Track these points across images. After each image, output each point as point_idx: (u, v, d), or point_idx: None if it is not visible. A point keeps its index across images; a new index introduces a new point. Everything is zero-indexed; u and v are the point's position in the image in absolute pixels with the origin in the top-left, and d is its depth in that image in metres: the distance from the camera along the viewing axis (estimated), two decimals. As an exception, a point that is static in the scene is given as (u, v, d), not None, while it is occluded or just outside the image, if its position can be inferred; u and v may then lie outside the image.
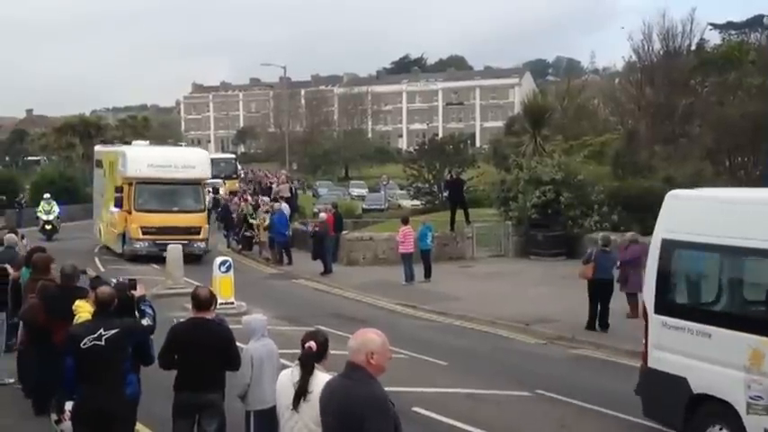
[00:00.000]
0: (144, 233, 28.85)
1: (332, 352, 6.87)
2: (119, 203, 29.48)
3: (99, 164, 36.08)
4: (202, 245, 29.60)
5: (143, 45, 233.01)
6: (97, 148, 40.33)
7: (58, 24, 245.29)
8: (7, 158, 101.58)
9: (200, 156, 32.58)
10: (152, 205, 29.48)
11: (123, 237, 29.76)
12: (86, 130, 70.78)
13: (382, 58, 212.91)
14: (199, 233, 29.55)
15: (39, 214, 37.85)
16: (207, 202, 32.07)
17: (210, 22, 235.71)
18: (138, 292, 9.17)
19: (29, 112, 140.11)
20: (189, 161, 30.62)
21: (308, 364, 6.65)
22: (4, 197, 45.31)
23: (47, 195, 39.32)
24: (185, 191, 30.36)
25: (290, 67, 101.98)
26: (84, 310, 9.19)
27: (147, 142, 38.11)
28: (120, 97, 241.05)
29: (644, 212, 28.36)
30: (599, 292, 17.75)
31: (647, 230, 24.19)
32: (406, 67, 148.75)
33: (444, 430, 11.29)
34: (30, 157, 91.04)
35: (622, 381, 14.26)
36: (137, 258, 28.48)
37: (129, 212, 29.24)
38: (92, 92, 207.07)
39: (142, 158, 30.07)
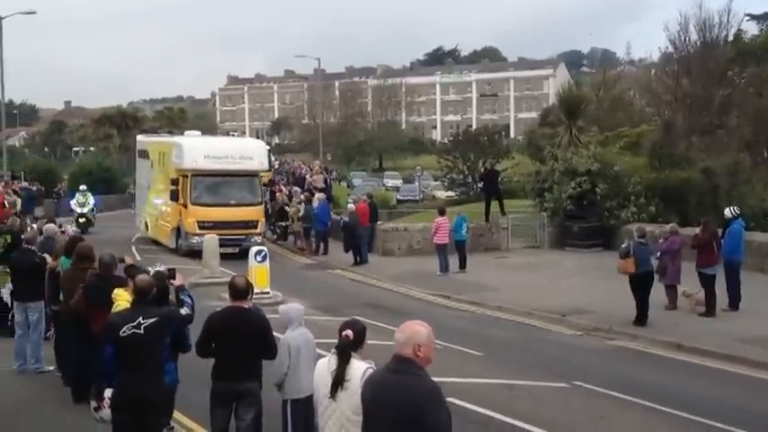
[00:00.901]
0: (200, 228, 27.25)
1: (368, 342, 6.88)
2: (174, 196, 28.15)
3: (143, 154, 34.95)
4: (259, 239, 28.07)
5: (179, 38, 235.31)
6: (140, 137, 39.22)
7: (96, 18, 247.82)
8: (46, 149, 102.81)
9: (258, 146, 31.28)
10: (209, 198, 28.23)
11: (177, 231, 28.78)
12: (124, 122, 71.60)
13: (416, 49, 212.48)
14: (256, 227, 28.42)
15: (73, 206, 36.81)
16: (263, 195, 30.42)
17: (246, 15, 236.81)
18: (177, 282, 9.22)
19: (67, 103, 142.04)
20: (246, 152, 29.47)
21: (344, 352, 6.65)
22: (43, 187, 45.76)
23: (83, 187, 38.65)
24: (243, 183, 29.01)
25: (325, 59, 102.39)
26: (122, 298, 9.27)
27: (200, 132, 36.75)
28: (157, 89, 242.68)
29: (682, 204, 28.25)
30: (641, 285, 17.40)
31: (686, 222, 24.24)
32: (439, 59, 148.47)
33: (481, 421, 11.23)
34: (75, 149, 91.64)
35: (661, 373, 14.21)
36: (190, 253, 26.75)
37: (185, 206, 27.97)
38: (129, 84, 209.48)
39: (198, 149, 28.90)
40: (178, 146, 29.29)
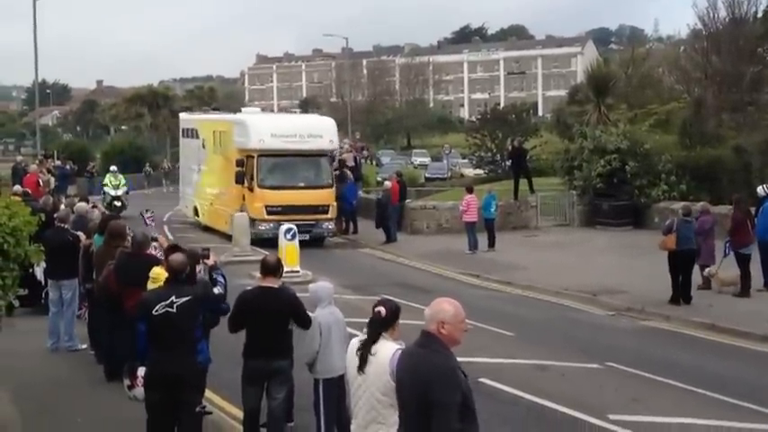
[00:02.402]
0: (269, 213, 25.13)
1: (399, 321, 6.83)
2: (240, 179, 25.71)
3: (190, 133, 32.64)
4: (331, 225, 26.47)
5: (209, 17, 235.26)
6: (185, 116, 36.60)
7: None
8: (78, 128, 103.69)
9: (327, 124, 28.14)
10: (277, 181, 25.91)
11: None
12: (155, 101, 71.98)
13: (443, 28, 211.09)
14: (327, 212, 26.15)
15: (105, 188, 34.11)
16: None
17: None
18: (210, 261, 9.25)
19: (99, 83, 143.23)
20: (316, 129, 27.00)
21: (374, 328, 6.61)
22: (76, 166, 46.06)
23: (113, 168, 36.22)
24: (312, 163, 26.70)
25: (352, 38, 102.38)
26: (160, 277, 9.29)
27: (259, 109, 34.76)
28: (187, 68, 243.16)
29: (713, 182, 27.96)
30: (681, 264, 17.16)
31: (717, 200, 23.98)
32: (466, 37, 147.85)
33: (512, 401, 11.19)
34: (110, 128, 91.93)
35: (695, 353, 14.10)
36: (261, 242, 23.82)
37: (251, 189, 25.61)
38: (160, 63, 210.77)
39: (265, 127, 26.47)
40: (241, 124, 27.11)
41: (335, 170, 28.01)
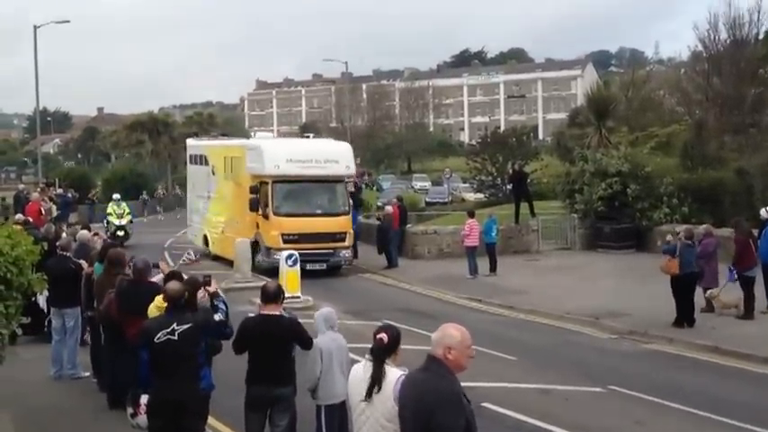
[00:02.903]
0: (285, 241, 24.18)
1: (401, 346, 6.84)
2: (254, 206, 24.97)
3: (198, 160, 31.79)
4: (348, 254, 25.75)
5: (208, 44, 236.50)
6: (192, 142, 35.57)
7: (126, 25, 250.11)
8: (79, 155, 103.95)
9: (343, 149, 27.46)
10: (293, 208, 25.23)
11: (254, 246, 25.05)
12: (155, 128, 72.24)
13: (443, 52, 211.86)
14: (344, 239, 25.44)
15: (109, 218, 33.17)
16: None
17: (274, 21, 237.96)
18: (211, 288, 9.27)
19: (100, 110, 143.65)
20: (332, 155, 26.27)
21: (379, 356, 6.62)
22: (78, 194, 46.13)
23: (116, 197, 35.32)
24: (329, 190, 26.05)
25: (352, 62, 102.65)
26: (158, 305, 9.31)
27: (272, 134, 34.16)
28: (187, 95, 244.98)
29: (715, 204, 27.97)
30: (683, 287, 17.17)
31: (720, 223, 23.96)
32: (466, 61, 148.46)
33: (515, 426, 11.16)
34: (119, 155, 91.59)
35: (699, 376, 14.06)
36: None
37: (266, 217, 24.95)
38: (160, 90, 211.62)
39: (280, 153, 25.73)
40: (255, 149, 26.23)
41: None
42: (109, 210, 33.87)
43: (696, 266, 17.39)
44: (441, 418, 5.34)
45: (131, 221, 34.03)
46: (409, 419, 5.57)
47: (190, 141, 35.71)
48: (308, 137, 34.33)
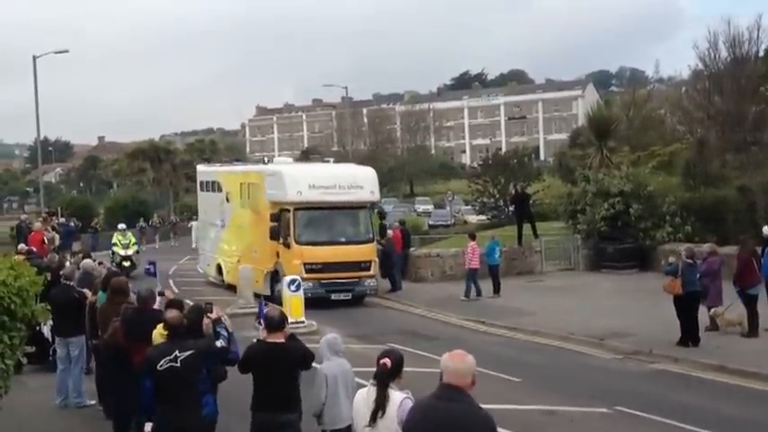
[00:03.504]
0: (308, 271, 23.30)
1: (405, 369, 6.87)
2: (275, 234, 23.99)
3: (210, 186, 30.97)
4: (373, 282, 24.74)
5: (208, 71, 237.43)
6: (203, 168, 34.45)
7: (126, 54, 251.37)
8: (81, 184, 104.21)
9: (368, 173, 26.20)
10: (316, 236, 24.20)
11: (273, 276, 24.56)
12: (156, 155, 72.49)
13: (442, 74, 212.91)
14: (369, 268, 24.52)
15: (114, 248, 32.49)
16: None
17: (272, 47, 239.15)
18: (213, 315, 9.30)
19: (101, 138, 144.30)
20: (356, 180, 25.17)
21: (383, 380, 6.65)
22: (80, 223, 46.18)
23: (122, 226, 34.80)
24: (353, 217, 25.16)
25: (352, 87, 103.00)
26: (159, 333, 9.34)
27: (292, 159, 32.55)
28: (188, 122, 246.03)
29: (718, 222, 27.95)
30: (686, 306, 17.14)
31: (723, 241, 23.95)
32: (466, 83, 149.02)
33: (521, 448, 11.13)
34: (121, 183, 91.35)
35: (704, 396, 13.99)
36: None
37: (287, 246, 23.92)
38: (161, 117, 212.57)
39: (302, 178, 24.61)
40: (276, 175, 25.08)
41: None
42: (114, 240, 33.03)
43: (699, 285, 17.36)
44: None
45: (138, 251, 33.06)
46: None
47: (200, 167, 34.66)
48: (328, 161, 32.27)
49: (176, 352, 8.19)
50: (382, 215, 27.23)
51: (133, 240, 33.01)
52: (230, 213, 28.36)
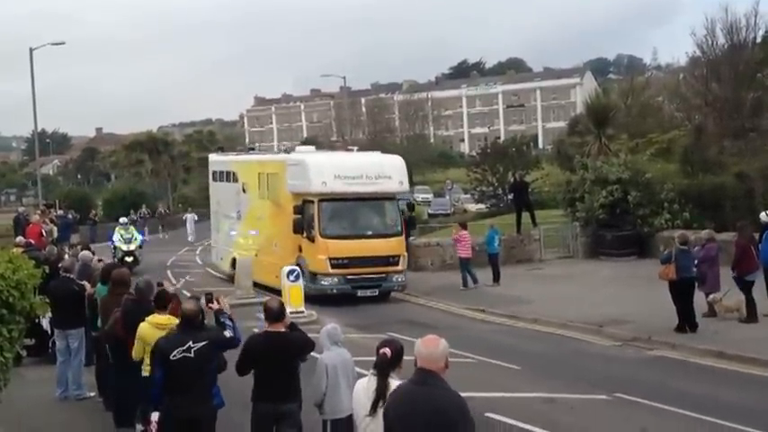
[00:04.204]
0: (333, 266, 22.60)
1: (405, 358, 6.89)
2: (299, 227, 22.89)
3: (224, 176, 29.69)
4: (401, 278, 23.59)
5: (207, 61, 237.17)
6: (217, 157, 32.88)
7: (123, 45, 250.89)
8: (79, 176, 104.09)
9: (396, 163, 24.79)
10: (342, 229, 23.11)
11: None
12: (154, 147, 72.40)
13: (441, 63, 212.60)
14: (398, 263, 23.31)
15: (117, 243, 30.84)
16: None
17: (272, 37, 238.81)
18: (215, 306, 9.32)
19: (98, 130, 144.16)
20: (383, 170, 23.85)
21: (384, 370, 6.68)
22: (78, 215, 46.17)
23: (123, 220, 33.52)
24: (381, 208, 23.97)
25: (350, 76, 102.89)
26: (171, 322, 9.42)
27: (314, 147, 30.83)
28: (186, 113, 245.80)
29: (716, 209, 27.96)
30: (682, 292, 17.18)
31: (721, 227, 23.97)
32: (464, 72, 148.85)
33: (520, 435, 11.16)
34: (119, 175, 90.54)
35: (703, 382, 14.04)
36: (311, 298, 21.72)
37: (311, 239, 22.83)
38: (158, 108, 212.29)
39: (327, 168, 23.37)
40: (299, 164, 23.80)
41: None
42: (116, 235, 31.48)
43: (694, 272, 17.42)
44: (463, 430, 5.42)
45: (140, 246, 31.63)
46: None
47: (213, 157, 33.25)
48: (351, 150, 30.33)
49: (190, 342, 8.26)
50: (412, 207, 25.77)
51: (136, 235, 31.63)
52: (247, 205, 27.18)
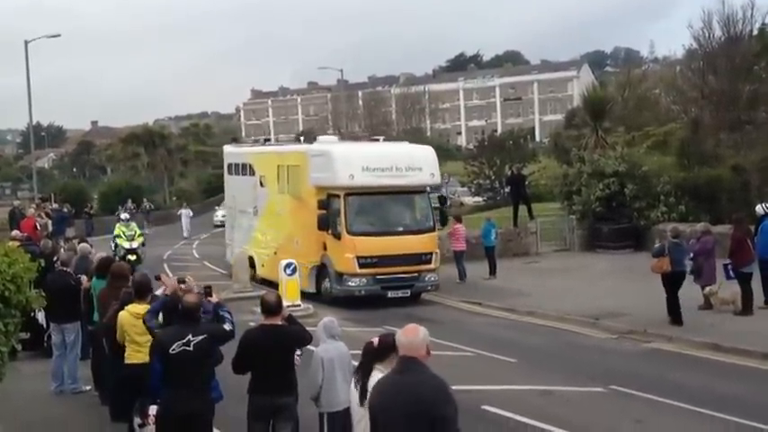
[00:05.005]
0: (361, 265, 21.03)
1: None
2: (324, 224, 21.31)
3: (239, 169, 27.87)
4: (434, 277, 22.01)
5: (203, 54, 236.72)
6: (231, 148, 30.76)
7: (119, 38, 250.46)
8: (74, 170, 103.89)
9: (427, 153, 23.10)
10: (371, 225, 21.58)
11: (319, 271, 22.20)
12: (150, 140, 72.25)
13: (438, 56, 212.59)
14: (430, 261, 21.79)
15: (118, 240, 28.56)
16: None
17: (268, 29, 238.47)
18: (213, 299, 9.33)
19: (94, 123, 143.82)
20: (414, 161, 22.20)
21: (366, 358, 6.73)
22: (74, 209, 46.02)
23: (124, 216, 31.20)
24: (411, 203, 22.41)
25: (347, 69, 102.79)
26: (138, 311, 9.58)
27: (337, 138, 28.33)
28: (182, 106, 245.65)
29: (712, 202, 28.02)
30: (674, 285, 17.27)
31: (717, 220, 24.00)
32: (462, 65, 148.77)
33: (518, 429, 11.16)
34: (115, 168, 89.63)
35: (698, 374, 14.08)
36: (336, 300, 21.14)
37: (337, 237, 21.25)
38: (155, 101, 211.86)
39: (355, 159, 21.65)
40: (324, 155, 22.11)
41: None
42: (117, 231, 29.08)
43: (686, 265, 17.52)
44: (448, 412, 5.47)
45: (143, 244, 29.53)
46: (405, 421, 5.50)
47: (228, 148, 31.03)
48: (377, 140, 27.91)
49: (189, 336, 8.24)
50: (444, 200, 24.83)
51: (138, 232, 29.40)
52: (265, 199, 25.45)
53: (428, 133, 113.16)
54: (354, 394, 6.73)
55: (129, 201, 52.41)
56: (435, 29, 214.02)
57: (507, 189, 38.61)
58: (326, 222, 21.29)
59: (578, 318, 18.71)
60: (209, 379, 8.58)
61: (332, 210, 21.37)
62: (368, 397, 6.11)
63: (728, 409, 11.54)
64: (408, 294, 21.40)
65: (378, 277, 21.05)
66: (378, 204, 21.92)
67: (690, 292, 17.82)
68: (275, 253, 23.69)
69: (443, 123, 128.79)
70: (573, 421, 11.33)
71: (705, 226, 19.15)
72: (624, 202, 29.04)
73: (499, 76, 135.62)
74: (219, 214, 51.79)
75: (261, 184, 25.73)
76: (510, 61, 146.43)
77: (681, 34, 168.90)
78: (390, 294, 21.01)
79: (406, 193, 22.12)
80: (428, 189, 22.95)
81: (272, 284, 21.96)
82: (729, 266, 17.81)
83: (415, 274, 21.47)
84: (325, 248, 21.71)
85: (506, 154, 49.02)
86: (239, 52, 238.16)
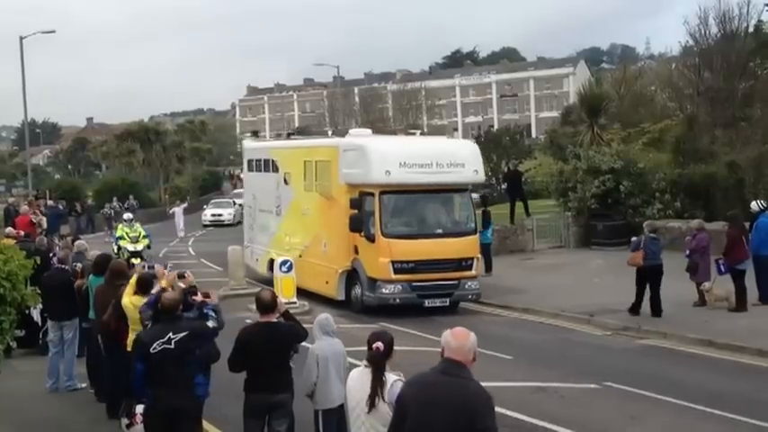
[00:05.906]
0: (397, 271, 19.19)
1: (396, 348, 6.94)
2: (356, 225, 19.54)
3: (262, 165, 25.75)
4: (475, 285, 20.08)
5: (197, 50, 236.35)
6: (252, 144, 28.52)
7: (114, 34, 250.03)
8: (69, 167, 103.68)
9: (471, 149, 21.43)
10: (408, 227, 19.87)
11: (350, 276, 20.43)
12: (146, 136, 72.08)
13: (434, 53, 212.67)
14: (471, 267, 19.96)
15: (121, 242, 26.83)
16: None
17: (263, 26, 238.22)
18: (198, 298, 9.33)
19: (89, 120, 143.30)
20: (456, 157, 20.17)
21: (378, 365, 6.70)
22: (69, 207, 45.87)
23: (128, 216, 28.86)
24: (452, 202, 20.70)
25: (343, 66, 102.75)
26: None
27: (370, 131, 25.29)
28: (178, 102, 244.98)
29: (708, 199, 28.06)
30: (648, 279, 17.73)
31: (712, 217, 24.03)
32: (458, 62, 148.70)
33: (512, 424, 11.16)
34: (110, 165, 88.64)
35: (693, 370, 14.13)
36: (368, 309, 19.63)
37: (371, 239, 19.47)
38: (150, 98, 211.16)
39: (392, 155, 19.73)
40: (357, 150, 20.19)
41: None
42: (119, 233, 27.45)
43: (661, 259, 17.74)
44: (489, 422, 5.35)
45: (149, 246, 27.52)
46: (446, 419, 5.34)
47: (248, 143, 28.88)
48: (413, 133, 25.97)
49: (170, 334, 8.23)
50: (486, 200, 22.59)
51: (143, 233, 27.44)
52: (290, 198, 23.49)
53: (425, 129, 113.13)
54: (354, 393, 6.74)
55: (115, 199, 49.89)
56: (431, 25, 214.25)
57: (504, 186, 38.65)
58: (359, 223, 19.53)
59: (573, 314, 18.76)
60: (192, 376, 8.56)
61: (365, 209, 19.61)
62: (399, 391, 5.95)
63: (722, 405, 11.59)
64: (447, 303, 19.70)
65: (414, 284, 19.32)
66: (416, 204, 20.16)
67: (683, 288, 17.88)
68: (300, 256, 21.74)
69: (440, 120, 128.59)
70: (568, 418, 11.36)
71: (700, 223, 19.22)
72: (619, 198, 29.07)
73: (495, 72, 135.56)
74: (209, 214, 51.70)
75: (285, 181, 23.78)
76: (506, 58, 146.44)
77: (677, 31, 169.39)
78: (427, 303, 19.38)
79: (446, 192, 20.36)
80: (470, 188, 21.34)
81: (300, 291, 20.72)
82: (721, 262, 17.91)
83: (455, 282, 19.70)
84: (356, 252, 20.01)
85: (503, 150, 49.09)
86: (234, 49, 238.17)
